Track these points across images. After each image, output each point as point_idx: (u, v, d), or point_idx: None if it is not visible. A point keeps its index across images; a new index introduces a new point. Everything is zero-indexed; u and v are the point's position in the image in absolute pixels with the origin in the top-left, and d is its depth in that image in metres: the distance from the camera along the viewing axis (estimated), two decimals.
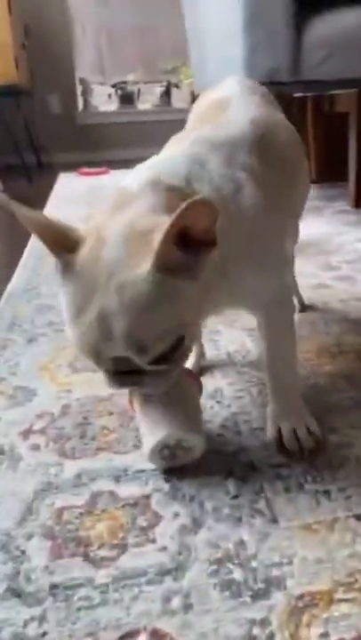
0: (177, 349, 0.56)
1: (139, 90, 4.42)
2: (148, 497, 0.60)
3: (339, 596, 0.48)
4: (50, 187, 2.85)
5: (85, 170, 3.29)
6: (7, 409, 0.79)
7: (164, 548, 0.53)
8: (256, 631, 0.45)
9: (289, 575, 0.50)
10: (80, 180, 3.10)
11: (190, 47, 2.58)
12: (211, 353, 0.91)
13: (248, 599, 0.48)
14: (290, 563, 0.51)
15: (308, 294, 1.12)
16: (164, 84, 4.45)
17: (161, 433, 0.62)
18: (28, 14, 3.76)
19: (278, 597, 0.48)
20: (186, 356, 0.61)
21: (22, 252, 1.62)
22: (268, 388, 0.71)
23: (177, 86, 4.45)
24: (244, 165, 0.64)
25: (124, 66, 4.54)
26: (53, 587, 0.50)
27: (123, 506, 0.59)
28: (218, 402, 0.78)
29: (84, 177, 3.19)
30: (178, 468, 0.64)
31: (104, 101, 4.44)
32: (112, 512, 0.59)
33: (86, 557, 0.53)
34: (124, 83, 4.39)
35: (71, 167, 3.42)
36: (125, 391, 0.67)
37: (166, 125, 4.60)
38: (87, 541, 0.55)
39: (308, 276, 1.25)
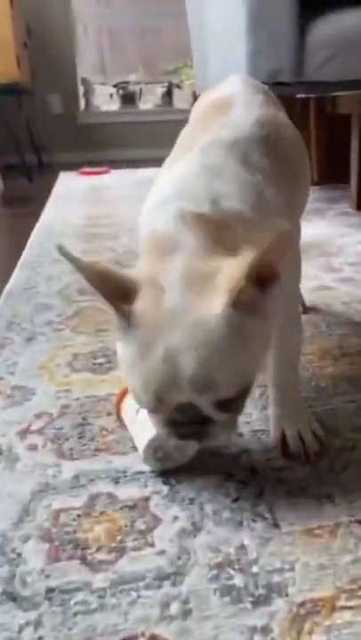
0: (244, 396, 0.55)
1: (140, 90, 4.42)
2: (147, 499, 0.59)
3: (341, 603, 0.47)
4: (50, 186, 2.84)
5: (86, 169, 3.28)
6: (5, 408, 0.78)
7: (162, 552, 0.52)
8: (257, 638, 0.44)
9: (290, 581, 0.49)
10: (81, 179, 3.09)
11: (193, 48, 2.57)
12: None
13: (249, 605, 0.47)
14: (291, 569, 0.50)
15: (310, 296, 1.11)
16: (166, 84, 4.44)
17: (153, 433, 0.61)
18: (30, 13, 3.75)
19: (280, 604, 0.47)
20: (243, 412, 0.58)
21: (21, 251, 1.61)
22: (271, 389, 0.70)
23: (178, 87, 4.45)
24: (258, 167, 0.63)
25: (126, 66, 4.54)
26: (49, 591, 0.49)
27: (121, 508, 0.58)
28: None
29: (85, 176, 3.18)
30: (175, 470, 0.63)
31: (106, 101, 4.43)
32: (110, 514, 0.57)
33: (84, 561, 0.52)
34: (126, 83, 4.39)
35: (72, 167, 3.41)
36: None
37: (168, 126, 4.59)
38: (85, 544, 0.54)
39: (310, 277, 1.24)
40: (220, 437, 0.57)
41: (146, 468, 0.63)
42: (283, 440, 0.66)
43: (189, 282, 0.52)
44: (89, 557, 0.52)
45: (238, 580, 0.49)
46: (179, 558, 0.52)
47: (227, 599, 0.47)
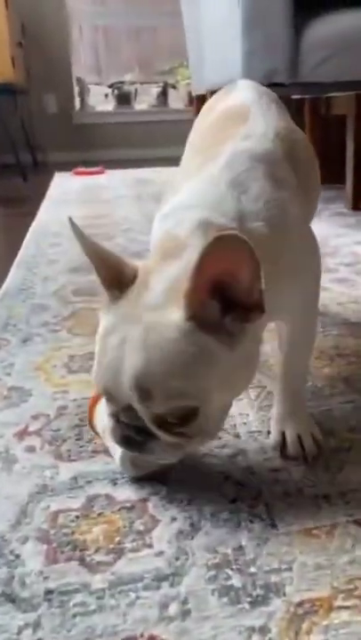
0: (188, 421, 0.52)
1: (135, 90, 4.42)
2: (145, 500, 0.59)
3: (339, 603, 0.47)
4: (45, 186, 2.84)
5: (81, 169, 3.28)
6: (1, 410, 0.78)
7: (161, 553, 0.53)
8: (255, 639, 0.44)
9: (288, 581, 0.49)
10: (76, 179, 3.09)
11: (188, 48, 2.58)
12: None
13: (247, 605, 0.47)
14: (289, 569, 0.50)
15: None
16: (161, 84, 4.44)
17: None
18: (25, 13, 3.75)
19: (277, 604, 0.47)
20: (203, 436, 0.56)
21: (16, 251, 1.61)
22: (276, 390, 0.71)
23: (174, 87, 4.46)
24: (283, 181, 0.62)
25: (121, 66, 4.54)
26: (48, 592, 0.49)
27: (119, 509, 0.58)
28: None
29: (80, 176, 3.18)
30: (172, 471, 0.63)
31: (101, 101, 4.44)
32: (108, 515, 0.58)
33: (82, 562, 0.52)
34: (121, 83, 4.39)
35: (67, 167, 3.41)
36: None
37: (163, 126, 4.62)
38: (83, 545, 0.54)
39: None
40: (165, 458, 0.56)
41: None
42: (282, 441, 0.67)
43: (175, 287, 0.51)
44: (87, 559, 0.52)
45: (236, 581, 0.49)
46: (177, 559, 0.52)
47: (225, 600, 0.47)
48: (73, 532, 0.55)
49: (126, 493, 0.60)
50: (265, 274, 0.56)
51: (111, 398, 0.54)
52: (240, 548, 0.53)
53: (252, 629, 0.45)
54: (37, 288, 1.28)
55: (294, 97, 1.94)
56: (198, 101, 2.68)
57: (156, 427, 0.52)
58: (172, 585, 0.49)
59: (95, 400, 0.69)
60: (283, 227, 0.59)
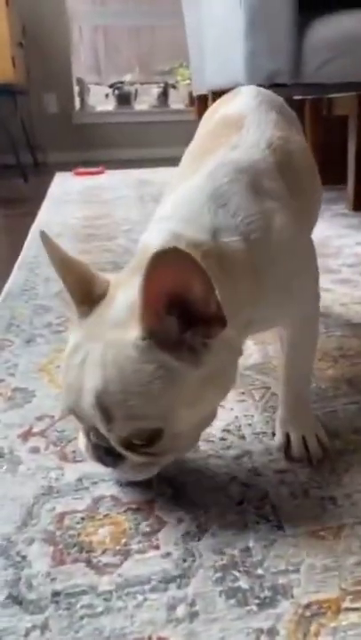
0: (153, 442, 0.51)
1: (136, 90, 4.42)
2: (150, 502, 0.59)
3: (347, 604, 0.47)
4: (46, 186, 2.84)
5: (81, 170, 3.28)
6: (6, 411, 0.78)
7: (167, 555, 0.52)
8: None
9: (296, 583, 0.49)
10: (76, 179, 3.09)
11: (190, 49, 2.58)
12: None
13: (255, 607, 0.47)
14: (296, 570, 0.50)
15: None
16: (162, 84, 4.44)
17: None
18: (26, 13, 3.75)
19: (285, 606, 0.47)
20: (174, 454, 0.55)
21: (18, 252, 1.61)
22: (280, 391, 0.71)
23: (174, 87, 4.45)
24: (269, 192, 0.61)
25: (122, 66, 4.54)
26: (55, 594, 0.49)
27: (125, 511, 0.58)
28: (220, 405, 0.77)
29: (80, 177, 3.17)
30: (179, 472, 0.63)
31: (101, 101, 4.43)
32: (115, 517, 0.57)
33: (89, 563, 0.52)
34: (122, 83, 4.39)
35: (67, 167, 3.41)
36: None
37: (163, 126, 4.61)
38: (89, 547, 0.54)
39: None
40: (134, 477, 0.56)
41: None
42: (287, 443, 0.67)
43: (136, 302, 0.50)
44: (94, 560, 0.52)
45: (244, 583, 0.49)
46: (184, 561, 0.52)
47: (232, 601, 0.47)
48: (79, 534, 0.55)
49: (132, 495, 0.60)
50: (241, 289, 0.55)
51: (77, 418, 0.54)
52: (247, 549, 0.53)
53: (260, 631, 0.45)
54: (40, 289, 1.28)
55: (296, 98, 1.94)
56: (200, 102, 2.68)
57: (124, 448, 0.52)
58: (179, 587, 0.49)
59: None
60: (263, 241, 0.58)
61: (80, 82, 4.32)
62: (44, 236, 0.55)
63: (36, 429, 0.73)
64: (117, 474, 0.59)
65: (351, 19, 1.49)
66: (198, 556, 0.52)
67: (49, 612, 0.47)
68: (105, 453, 0.54)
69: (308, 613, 0.46)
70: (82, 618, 0.47)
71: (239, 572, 0.50)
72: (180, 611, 0.47)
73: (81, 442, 0.58)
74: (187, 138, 0.85)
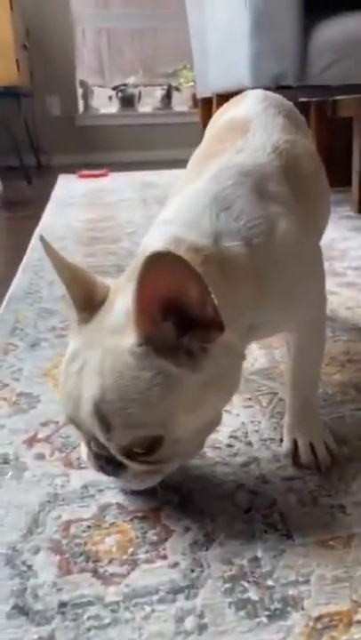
0: (154, 450, 0.50)
1: (139, 92, 4.42)
2: (157, 510, 0.59)
3: (358, 617, 0.46)
4: (50, 188, 2.84)
5: (85, 172, 3.27)
6: (10, 416, 0.77)
7: (175, 565, 0.52)
8: None
9: (306, 594, 0.48)
10: (80, 182, 3.08)
11: (193, 51, 2.57)
12: None
13: (265, 619, 0.46)
14: (307, 581, 0.49)
15: None
16: (165, 87, 4.44)
17: None
18: (30, 15, 3.75)
19: (296, 618, 0.46)
20: (177, 460, 0.55)
21: (22, 254, 1.60)
22: (287, 397, 0.70)
23: (178, 89, 4.45)
24: (274, 196, 0.60)
25: (125, 68, 4.54)
26: (62, 604, 0.48)
27: (132, 519, 0.57)
28: (226, 411, 0.76)
29: (84, 179, 3.17)
30: (185, 479, 0.62)
31: (104, 104, 4.43)
32: (121, 525, 0.57)
33: (95, 573, 0.51)
34: (125, 85, 4.39)
35: (71, 169, 3.41)
36: None
37: (166, 128, 4.61)
38: (96, 557, 0.53)
39: None
40: (138, 486, 0.55)
41: None
42: (295, 450, 0.66)
43: None
44: (101, 570, 0.51)
45: (253, 594, 0.48)
46: (192, 571, 0.51)
47: (242, 613, 0.47)
48: (85, 543, 0.55)
49: (138, 503, 0.60)
50: (243, 294, 0.54)
51: (77, 427, 0.53)
52: (256, 559, 0.52)
53: None
54: (44, 292, 1.27)
55: (301, 100, 1.93)
56: (204, 105, 2.67)
57: (124, 457, 0.51)
58: (187, 598, 0.48)
59: None
60: (266, 246, 0.57)
61: (83, 84, 4.32)
62: (45, 242, 0.54)
63: (41, 435, 0.73)
64: (121, 483, 0.58)
65: (356, 20, 1.48)
66: (206, 567, 0.51)
67: (55, 623, 0.47)
68: (106, 463, 0.53)
69: (319, 626, 0.45)
70: (89, 629, 0.46)
71: (248, 582, 0.50)
72: (189, 623, 0.46)
73: (83, 451, 0.57)
74: (190, 140, 0.84)
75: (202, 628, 0.45)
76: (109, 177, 3.22)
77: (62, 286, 0.55)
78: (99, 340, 0.51)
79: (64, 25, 4.06)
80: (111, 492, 0.61)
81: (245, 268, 0.56)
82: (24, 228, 1.96)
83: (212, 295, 0.47)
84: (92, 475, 0.64)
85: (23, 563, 0.53)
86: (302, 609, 0.47)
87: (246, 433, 0.71)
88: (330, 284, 1.25)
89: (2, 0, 2.96)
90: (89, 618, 0.47)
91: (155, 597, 0.48)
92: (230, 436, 0.70)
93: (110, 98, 4.40)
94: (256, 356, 0.92)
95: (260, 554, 0.52)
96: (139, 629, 0.46)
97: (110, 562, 0.52)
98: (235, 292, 0.54)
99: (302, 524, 0.56)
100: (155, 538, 0.55)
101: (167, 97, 4.45)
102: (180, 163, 0.78)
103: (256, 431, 0.72)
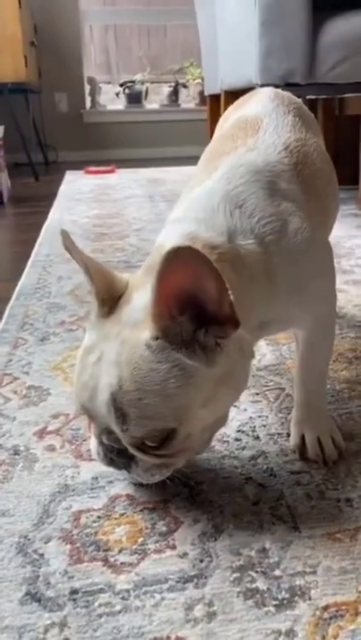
0: (166, 443, 0.51)
1: (146, 89, 4.42)
2: (166, 502, 0.59)
3: None
4: (57, 185, 2.85)
5: (92, 168, 3.28)
6: (21, 408, 0.78)
7: (184, 555, 0.53)
8: None
9: (313, 585, 0.49)
10: (87, 178, 3.09)
11: (202, 48, 2.58)
12: None
13: (272, 609, 0.47)
14: (314, 572, 0.50)
15: None
16: (172, 83, 4.44)
17: None
18: (38, 12, 3.76)
19: (303, 608, 0.47)
20: (188, 454, 0.56)
21: (30, 250, 1.61)
22: (295, 392, 0.71)
23: (185, 86, 4.45)
24: (286, 194, 0.61)
25: (132, 65, 4.54)
26: (74, 592, 0.49)
27: (141, 510, 0.58)
28: (235, 406, 0.77)
29: (91, 175, 3.18)
30: (194, 472, 0.63)
31: (111, 100, 4.44)
32: (131, 516, 0.58)
33: (106, 562, 0.52)
34: (132, 82, 4.39)
35: (78, 165, 3.42)
36: None
37: (174, 125, 4.61)
38: (106, 546, 0.54)
39: None
40: (148, 479, 0.55)
41: None
42: (302, 444, 0.67)
43: None
44: (111, 559, 0.52)
45: (261, 584, 0.49)
46: (201, 561, 0.52)
47: (250, 602, 0.47)
48: (96, 533, 0.56)
49: (148, 494, 0.61)
50: (255, 291, 0.55)
51: (90, 418, 0.54)
52: (264, 550, 0.53)
53: (278, 633, 0.45)
54: (52, 287, 1.28)
55: (308, 97, 1.94)
56: (212, 101, 2.67)
57: (137, 450, 0.52)
58: (196, 587, 0.49)
59: None
60: (279, 243, 0.58)
61: (91, 81, 4.32)
62: (66, 236, 0.55)
63: (51, 428, 0.74)
64: (130, 476, 0.59)
65: None
66: (215, 557, 0.52)
67: (67, 609, 0.48)
68: (117, 456, 0.54)
69: (326, 615, 0.46)
70: (100, 616, 0.47)
71: (256, 572, 0.50)
72: (198, 611, 0.47)
73: (92, 445, 0.58)
74: (197, 137, 0.85)
75: (211, 616, 0.46)
76: (116, 173, 3.23)
77: (87, 281, 0.55)
78: (116, 332, 0.52)
79: (72, 22, 4.07)
80: (121, 483, 0.62)
81: (258, 266, 0.57)
82: (32, 224, 1.97)
83: (230, 292, 0.48)
84: (101, 466, 0.65)
85: (35, 551, 0.54)
86: (309, 599, 0.48)
87: (254, 427, 0.72)
88: (337, 281, 1.26)
89: None
90: (100, 605, 0.48)
91: (164, 586, 0.49)
92: (238, 430, 0.71)
93: (117, 94, 4.41)
94: (264, 352, 0.92)
95: (267, 545, 0.53)
96: (149, 616, 0.47)
97: (120, 551, 0.53)
98: (247, 289, 0.55)
99: (309, 516, 0.57)
100: (164, 528, 0.56)
101: (174, 94, 4.45)
102: (187, 159, 0.78)
103: (264, 426, 0.72)
